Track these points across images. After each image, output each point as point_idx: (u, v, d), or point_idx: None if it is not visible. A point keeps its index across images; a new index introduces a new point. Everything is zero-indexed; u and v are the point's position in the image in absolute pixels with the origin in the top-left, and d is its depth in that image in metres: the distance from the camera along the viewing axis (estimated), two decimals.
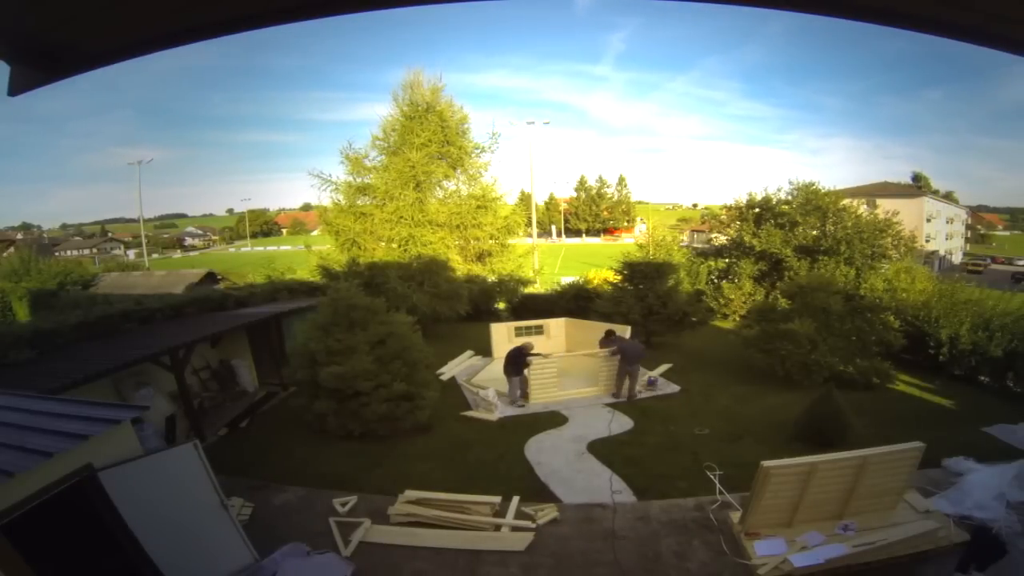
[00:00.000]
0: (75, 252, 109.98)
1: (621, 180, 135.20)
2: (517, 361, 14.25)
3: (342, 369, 11.58)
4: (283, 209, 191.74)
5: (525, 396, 14.34)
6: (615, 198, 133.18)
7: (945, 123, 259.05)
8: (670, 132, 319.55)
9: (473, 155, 28.51)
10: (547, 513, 8.93)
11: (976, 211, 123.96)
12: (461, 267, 27.44)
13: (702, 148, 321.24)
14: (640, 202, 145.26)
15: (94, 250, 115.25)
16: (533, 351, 14.92)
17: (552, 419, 13.24)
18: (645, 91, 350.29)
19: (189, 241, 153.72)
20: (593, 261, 41.31)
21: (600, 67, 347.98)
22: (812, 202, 28.94)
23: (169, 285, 34.44)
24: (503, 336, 18.60)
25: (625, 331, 16.70)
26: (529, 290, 30.22)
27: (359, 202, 27.48)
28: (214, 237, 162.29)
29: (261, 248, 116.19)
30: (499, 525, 8.63)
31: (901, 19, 3.36)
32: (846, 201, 29.91)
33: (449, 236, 27.42)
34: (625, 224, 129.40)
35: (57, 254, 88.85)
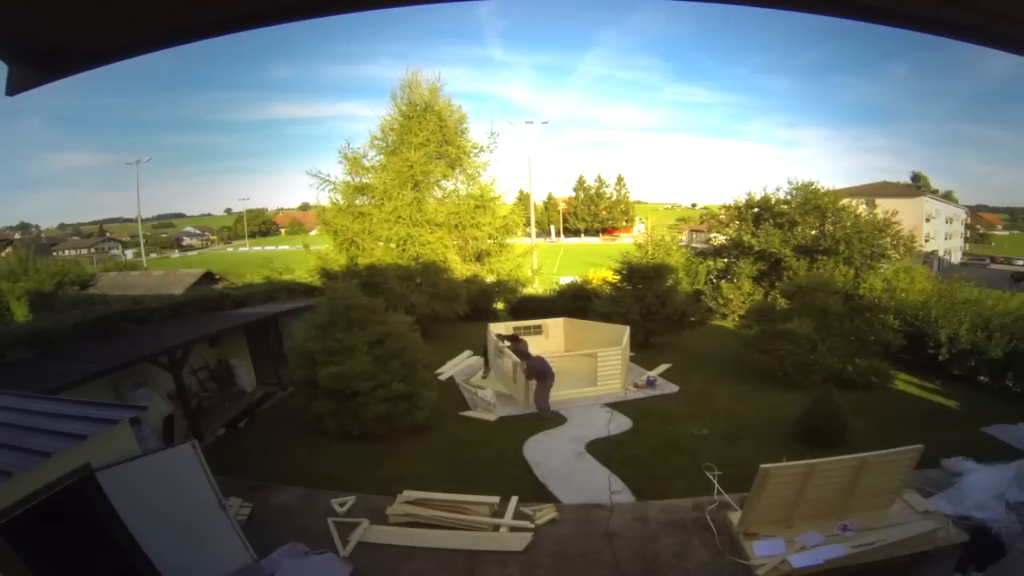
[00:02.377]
0: (73, 252, 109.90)
1: (620, 180, 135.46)
2: (543, 369, 13.84)
3: (340, 369, 11.56)
4: (281, 209, 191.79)
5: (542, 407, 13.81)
6: (613, 198, 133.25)
7: (922, 107, 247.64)
8: (614, 123, 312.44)
9: (472, 154, 28.45)
10: (546, 513, 8.92)
11: (975, 211, 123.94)
12: (460, 267, 27.41)
13: (660, 141, 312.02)
14: (639, 201, 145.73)
15: (92, 250, 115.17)
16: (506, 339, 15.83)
17: (550, 419, 13.23)
18: (558, 76, 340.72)
19: (187, 241, 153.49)
20: (592, 261, 41.32)
21: (491, 49, 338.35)
22: (811, 202, 28.99)
23: (167, 285, 34.44)
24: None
25: (624, 331, 16.69)
26: (528, 290, 30.22)
27: (357, 202, 27.38)
28: (212, 237, 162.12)
29: (259, 248, 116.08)
30: (498, 525, 8.62)
31: (901, 19, 3.35)
32: (845, 201, 29.95)
33: (448, 236, 27.35)
34: (624, 224, 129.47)
35: (55, 254, 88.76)
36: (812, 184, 29.78)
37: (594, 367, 15.04)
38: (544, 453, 11.42)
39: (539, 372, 13.74)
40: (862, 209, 30.69)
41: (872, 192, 57.59)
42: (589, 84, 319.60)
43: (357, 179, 27.57)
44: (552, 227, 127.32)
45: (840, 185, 36.41)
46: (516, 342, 16.41)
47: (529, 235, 42.80)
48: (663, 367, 17.32)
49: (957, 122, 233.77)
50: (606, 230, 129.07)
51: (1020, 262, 75.20)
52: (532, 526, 8.58)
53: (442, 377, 16.43)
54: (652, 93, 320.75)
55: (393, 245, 26.83)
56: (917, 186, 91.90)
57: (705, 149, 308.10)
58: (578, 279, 31.59)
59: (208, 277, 40.44)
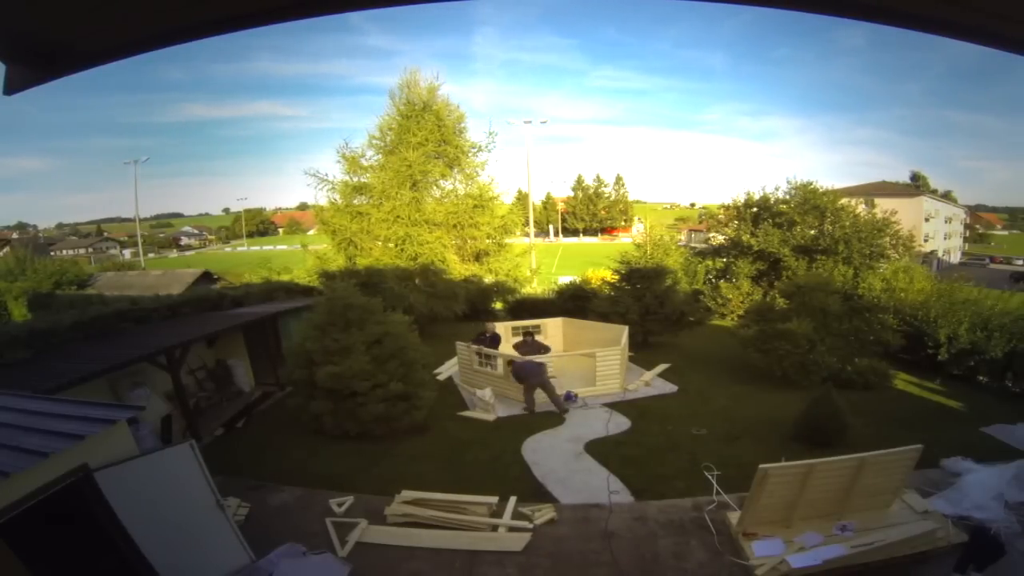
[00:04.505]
0: (71, 251, 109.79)
1: (618, 180, 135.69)
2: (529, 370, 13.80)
3: (338, 369, 11.54)
4: (279, 208, 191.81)
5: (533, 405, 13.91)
6: (612, 197, 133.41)
7: (892, 89, 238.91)
8: (555, 116, 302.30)
9: (470, 154, 28.44)
10: (544, 513, 8.91)
11: (975, 211, 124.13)
12: (458, 267, 27.40)
13: (618, 135, 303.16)
14: (637, 201, 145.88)
15: (90, 249, 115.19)
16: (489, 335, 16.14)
17: (549, 419, 13.21)
18: (461, 62, 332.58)
19: (185, 241, 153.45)
20: (591, 260, 41.36)
21: (370, 36, 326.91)
22: (810, 201, 28.98)
23: (165, 285, 34.40)
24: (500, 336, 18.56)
25: (622, 331, 16.68)
26: (526, 290, 30.21)
27: (356, 201, 27.38)
28: (210, 237, 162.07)
29: (257, 248, 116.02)
30: (496, 525, 8.61)
31: (901, 18, 3.34)
32: (844, 200, 29.97)
33: (446, 236, 27.34)
34: (623, 223, 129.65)
35: (53, 253, 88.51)
36: (811, 184, 29.82)
37: (593, 367, 15.03)
38: (542, 453, 11.42)
39: (525, 372, 13.78)
40: (861, 209, 30.69)
41: (871, 192, 57.73)
42: (498, 70, 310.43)
43: (355, 179, 27.58)
44: (551, 227, 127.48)
45: (838, 184, 36.49)
46: (525, 339, 16.81)
47: (528, 235, 42.80)
48: (662, 367, 17.31)
49: (940, 107, 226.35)
50: (605, 230, 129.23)
51: (1019, 262, 75.31)
52: (531, 526, 8.57)
53: (440, 377, 16.42)
54: (577, 79, 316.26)
55: (391, 245, 26.81)
56: (916, 186, 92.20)
57: (669, 143, 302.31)
58: (577, 279, 31.58)
59: (206, 277, 40.41)
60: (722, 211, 33.99)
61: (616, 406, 13.97)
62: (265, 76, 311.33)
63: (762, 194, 30.78)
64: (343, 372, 11.54)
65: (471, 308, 25.21)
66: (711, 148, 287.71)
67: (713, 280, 31.19)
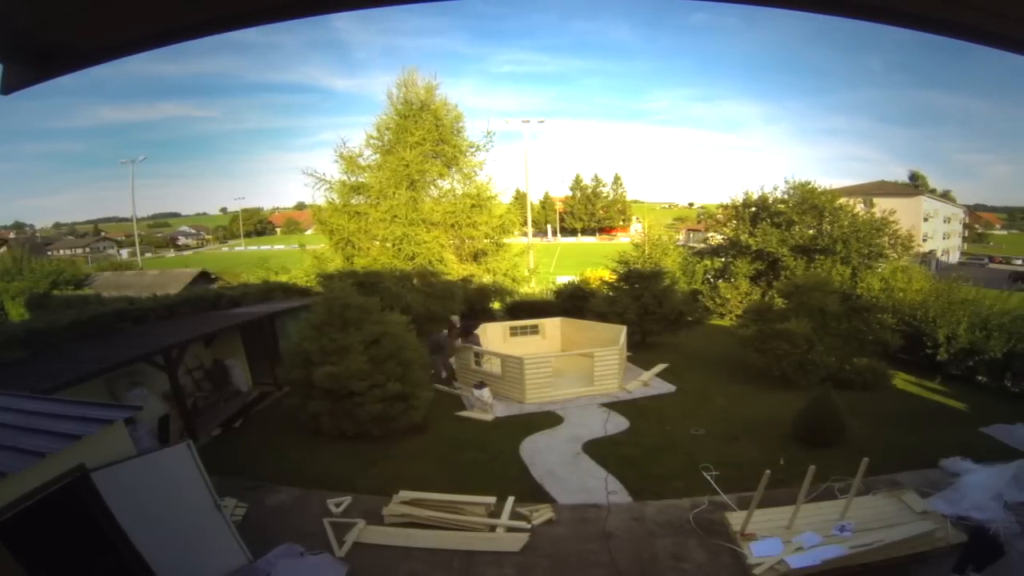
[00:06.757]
0: (68, 251, 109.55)
1: (617, 179, 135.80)
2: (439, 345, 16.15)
3: (336, 369, 11.52)
4: (277, 208, 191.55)
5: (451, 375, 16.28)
6: (610, 197, 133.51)
7: (853, 64, 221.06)
8: (481, 107, 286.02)
9: (468, 154, 28.42)
10: (542, 514, 8.90)
11: (974, 210, 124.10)
12: (456, 267, 27.38)
13: (571, 128, 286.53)
14: (636, 201, 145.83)
15: (87, 249, 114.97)
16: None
17: (547, 419, 13.20)
18: (342, 52, 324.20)
19: (182, 240, 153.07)
20: (590, 260, 41.32)
21: (244, 31, 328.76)
22: (808, 201, 29.00)
23: (162, 285, 34.34)
24: (498, 335, 18.56)
25: (621, 331, 16.67)
26: (525, 290, 30.18)
27: (353, 201, 27.38)
28: (207, 236, 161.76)
29: (255, 247, 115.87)
30: (494, 526, 8.60)
31: (901, 17, 3.34)
32: (842, 200, 29.99)
33: (444, 235, 27.33)
34: (621, 223, 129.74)
35: (50, 253, 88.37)
36: (809, 183, 29.87)
37: (591, 367, 15.02)
38: (541, 453, 11.40)
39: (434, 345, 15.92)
40: (859, 208, 30.73)
41: (870, 191, 57.79)
42: (383, 60, 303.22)
43: (353, 178, 27.58)
44: (548, 227, 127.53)
45: (835, 183, 36.54)
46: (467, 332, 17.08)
47: (526, 234, 42.74)
48: (660, 367, 17.29)
49: (914, 88, 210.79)
50: (603, 229, 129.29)
51: (1019, 262, 75.37)
52: (528, 526, 8.56)
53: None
54: (480, 64, 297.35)
55: (389, 244, 26.81)
56: (915, 185, 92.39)
57: (626, 135, 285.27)
58: (575, 279, 31.54)
59: (204, 277, 40.36)
60: (720, 211, 34.01)
61: (614, 406, 13.97)
62: (156, 77, 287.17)
63: (760, 194, 30.83)
64: (341, 372, 11.52)
65: (469, 308, 25.17)
66: (678, 141, 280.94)
67: (711, 280, 31.20)
